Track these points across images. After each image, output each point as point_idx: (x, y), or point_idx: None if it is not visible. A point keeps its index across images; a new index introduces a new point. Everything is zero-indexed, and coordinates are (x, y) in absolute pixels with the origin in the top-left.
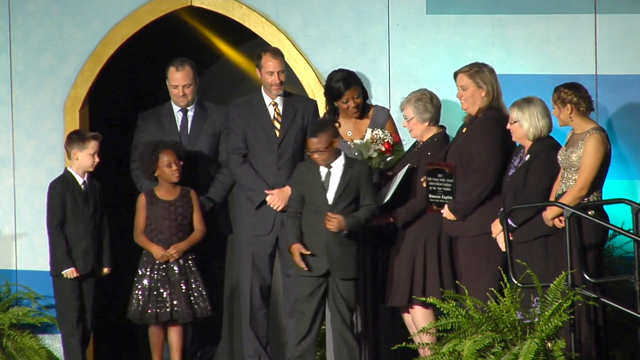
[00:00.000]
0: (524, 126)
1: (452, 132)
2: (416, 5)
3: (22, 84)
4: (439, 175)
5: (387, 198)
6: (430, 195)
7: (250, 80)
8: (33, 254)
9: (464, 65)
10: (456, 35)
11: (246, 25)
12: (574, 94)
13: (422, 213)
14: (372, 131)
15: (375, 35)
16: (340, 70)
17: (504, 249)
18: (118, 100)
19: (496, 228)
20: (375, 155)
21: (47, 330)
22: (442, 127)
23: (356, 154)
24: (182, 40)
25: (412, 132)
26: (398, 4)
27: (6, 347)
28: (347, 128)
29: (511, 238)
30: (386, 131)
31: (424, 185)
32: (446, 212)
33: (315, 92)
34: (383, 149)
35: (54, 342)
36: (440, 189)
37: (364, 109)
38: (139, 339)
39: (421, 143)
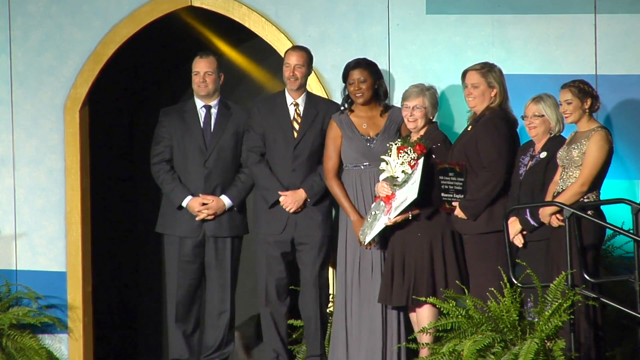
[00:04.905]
0: (552, 120)
1: (450, 132)
2: (416, 5)
3: (22, 84)
4: (450, 174)
5: (416, 195)
6: (442, 194)
7: (251, 80)
8: (33, 254)
9: (462, 65)
10: (456, 35)
11: (246, 25)
12: (593, 89)
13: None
14: (398, 150)
15: (375, 35)
16: (364, 59)
17: (520, 245)
18: (118, 100)
19: (513, 228)
20: (402, 175)
21: (47, 330)
22: (434, 122)
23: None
24: (182, 40)
25: (416, 121)
26: (398, 4)
27: (6, 347)
28: (362, 121)
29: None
30: (412, 151)
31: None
32: (458, 211)
33: (315, 92)
34: (409, 172)
35: (54, 342)
36: (452, 187)
37: (378, 103)
38: (139, 338)
39: (418, 137)
